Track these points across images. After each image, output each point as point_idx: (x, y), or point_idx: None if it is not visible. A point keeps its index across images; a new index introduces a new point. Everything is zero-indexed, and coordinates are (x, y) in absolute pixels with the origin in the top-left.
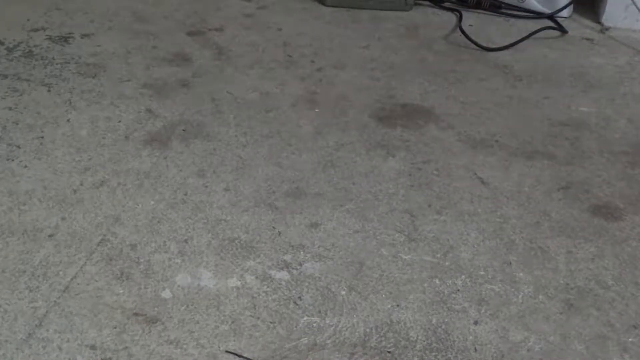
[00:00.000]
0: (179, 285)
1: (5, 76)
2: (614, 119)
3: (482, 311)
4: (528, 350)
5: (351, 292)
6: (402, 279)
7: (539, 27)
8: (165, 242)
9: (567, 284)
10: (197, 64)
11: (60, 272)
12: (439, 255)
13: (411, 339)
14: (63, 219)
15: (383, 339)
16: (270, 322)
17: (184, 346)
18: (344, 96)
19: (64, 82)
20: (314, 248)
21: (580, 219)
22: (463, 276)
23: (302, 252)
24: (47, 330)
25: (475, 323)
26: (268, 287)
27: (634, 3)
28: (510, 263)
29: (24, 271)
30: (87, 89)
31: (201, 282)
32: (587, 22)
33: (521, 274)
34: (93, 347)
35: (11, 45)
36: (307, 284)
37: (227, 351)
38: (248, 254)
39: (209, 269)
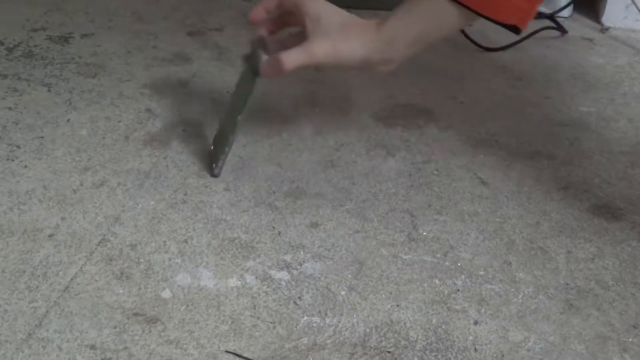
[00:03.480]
0: (179, 285)
1: (5, 76)
2: (614, 119)
3: (482, 311)
4: (528, 350)
5: (351, 292)
6: (402, 279)
7: (539, 27)
8: (165, 242)
9: (567, 284)
10: (197, 64)
11: (60, 272)
12: (439, 255)
13: (411, 339)
14: (63, 219)
15: (383, 339)
16: (270, 322)
17: (184, 346)
18: (344, 96)
19: (64, 82)
20: (314, 248)
21: (580, 219)
22: (463, 276)
23: (302, 252)
24: (47, 330)
25: (475, 323)
26: (268, 287)
27: (634, 3)
28: (510, 263)
29: (24, 271)
30: (87, 89)
31: (201, 282)
32: (587, 22)
33: (521, 274)
34: (93, 347)
35: (11, 45)
36: (307, 284)
37: (227, 351)
38: (248, 254)
39: (209, 269)
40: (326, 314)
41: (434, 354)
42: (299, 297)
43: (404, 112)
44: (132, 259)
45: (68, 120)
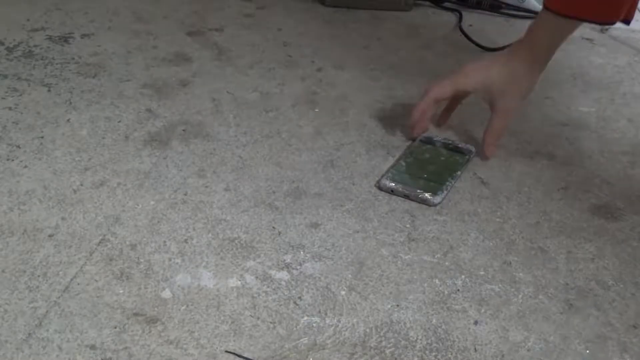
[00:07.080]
0: (179, 285)
1: (5, 76)
2: (614, 119)
3: (482, 311)
4: (528, 350)
5: (351, 292)
6: (402, 279)
7: None
8: (165, 242)
9: (567, 284)
10: (197, 64)
11: (60, 272)
12: (439, 255)
13: (411, 339)
14: (63, 219)
15: (383, 339)
16: (270, 322)
17: (184, 346)
18: (344, 96)
19: (64, 82)
20: (314, 248)
21: (580, 219)
22: (463, 276)
23: (302, 252)
24: (47, 330)
25: (475, 323)
26: (268, 287)
27: None
28: (510, 263)
29: (24, 271)
30: (87, 89)
31: (201, 282)
32: None
33: (521, 274)
34: (93, 347)
35: (11, 45)
36: (307, 284)
37: (227, 351)
38: (248, 254)
39: (209, 269)
40: (326, 314)
41: (434, 354)
42: (299, 297)
43: (404, 112)
44: (132, 259)
45: (68, 120)
